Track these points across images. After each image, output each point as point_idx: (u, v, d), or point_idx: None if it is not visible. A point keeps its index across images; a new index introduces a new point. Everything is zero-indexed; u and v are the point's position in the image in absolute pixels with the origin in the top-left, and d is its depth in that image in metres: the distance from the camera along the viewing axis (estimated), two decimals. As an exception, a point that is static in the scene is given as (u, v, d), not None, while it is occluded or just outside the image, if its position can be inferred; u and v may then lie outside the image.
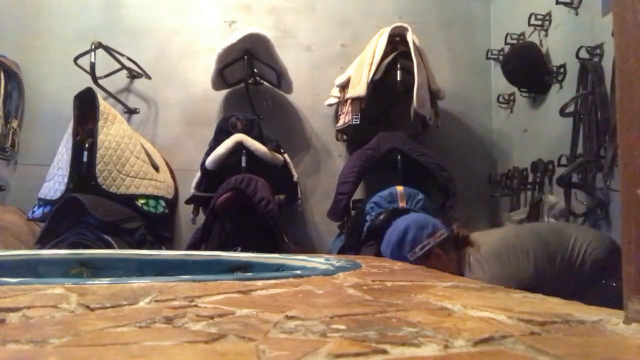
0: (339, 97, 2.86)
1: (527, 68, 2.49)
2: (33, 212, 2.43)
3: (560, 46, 2.40)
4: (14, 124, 2.89)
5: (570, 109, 2.06)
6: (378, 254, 2.21)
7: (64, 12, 3.07)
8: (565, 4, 2.28)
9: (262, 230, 2.37)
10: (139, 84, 3.06)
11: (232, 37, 2.63)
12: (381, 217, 2.36)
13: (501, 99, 2.91)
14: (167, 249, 2.59)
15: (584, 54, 2.08)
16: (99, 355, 0.38)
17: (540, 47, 2.50)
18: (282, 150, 2.74)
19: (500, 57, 2.88)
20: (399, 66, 2.63)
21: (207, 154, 2.57)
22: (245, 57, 2.62)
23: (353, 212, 2.64)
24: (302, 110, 3.08)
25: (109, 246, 2.15)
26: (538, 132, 2.57)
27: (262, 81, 2.98)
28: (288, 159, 2.77)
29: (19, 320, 0.52)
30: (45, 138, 2.85)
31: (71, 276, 1.40)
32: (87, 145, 2.33)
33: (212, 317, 0.54)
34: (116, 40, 2.87)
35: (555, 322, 0.54)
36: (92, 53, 2.54)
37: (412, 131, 2.69)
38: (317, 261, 1.35)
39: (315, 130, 3.06)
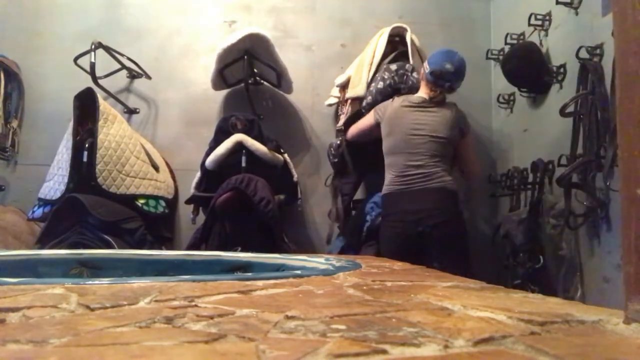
0: (339, 97, 2.86)
1: (527, 68, 2.48)
2: (33, 212, 2.43)
3: (560, 46, 2.40)
4: (14, 124, 2.89)
5: (570, 109, 2.06)
6: (378, 254, 2.21)
7: (64, 12, 3.08)
8: (565, 4, 2.28)
9: (262, 230, 2.37)
10: (139, 84, 3.06)
11: (232, 37, 2.63)
12: (381, 217, 2.36)
13: (501, 99, 2.91)
14: (167, 249, 2.60)
15: (584, 54, 2.08)
16: (99, 355, 0.38)
17: (540, 47, 2.50)
18: (282, 150, 2.74)
19: (500, 57, 2.88)
20: (398, 66, 2.64)
21: (207, 154, 2.57)
22: (245, 57, 2.62)
23: (353, 212, 2.64)
24: (302, 110, 3.08)
25: (109, 246, 2.15)
26: (538, 132, 2.57)
27: (262, 81, 2.98)
28: (288, 159, 2.77)
29: (19, 320, 0.52)
30: (45, 138, 2.85)
31: (71, 276, 1.40)
32: (87, 145, 2.33)
33: (212, 317, 0.54)
34: (116, 40, 2.87)
35: (555, 322, 0.54)
36: (92, 53, 2.54)
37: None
38: (317, 261, 1.35)
39: (315, 130, 3.06)
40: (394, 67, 2.49)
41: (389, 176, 2.30)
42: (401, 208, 2.22)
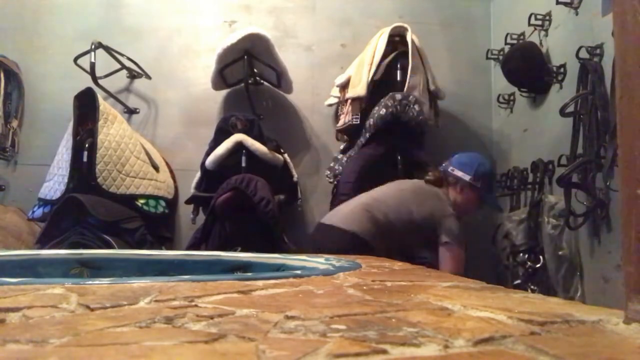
0: (339, 97, 2.86)
1: (527, 68, 2.48)
2: (33, 212, 2.43)
3: (560, 46, 2.40)
4: (14, 124, 2.89)
5: (570, 109, 2.06)
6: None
7: (64, 12, 3.07)
8: (565, 4, 2.28)
9: (262, 230, 2.37)
10: (139, 84, 3.06)
11: (232, 37, 2.63)
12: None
13: (501, 99, 2.91)
14: (167, 249, 2.59)
15: (584, 54, 2.08)
16: (99, 355, 0.38)
17: (540, 47, 2.50)
18: (282, 150, 2.74)
19: (500, 57, 2.88)
20: (398, 66, 2.64)
21: (207, 154, 2.57)
22: (245, 57, 2.62)
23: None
24: (302, 110, 3.08)
25: (109, 246, 2.15)
26: (538, 132, 2.57)
27: (262, 81, 2.97)
28: (288, 159, 2.77)
29: (19, 320, 0.52)
30: (45, 138, 2.85)
31: (71, 276, 1.40)
32: (87, 145, 2.33)
33: (212, 317, 0.54)
34: (116, 40, 2.87)
35: (555, 322, 0.54)
36: (92, 53, 2.54)
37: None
38: (317, 261, 1.35)
39: (315, 130, 3.06)
40: (398, 96, 2.47)
41: None
42: None
